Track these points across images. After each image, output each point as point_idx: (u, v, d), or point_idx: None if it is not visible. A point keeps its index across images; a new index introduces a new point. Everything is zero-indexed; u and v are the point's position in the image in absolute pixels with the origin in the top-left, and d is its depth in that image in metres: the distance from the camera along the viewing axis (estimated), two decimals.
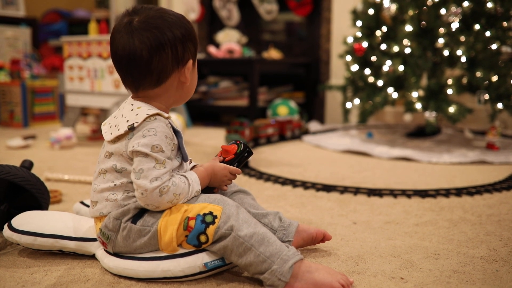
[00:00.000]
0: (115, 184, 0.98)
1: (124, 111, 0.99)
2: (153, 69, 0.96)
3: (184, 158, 1.03)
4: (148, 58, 0.94)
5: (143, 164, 0.92)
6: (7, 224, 1.08)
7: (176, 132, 1.00)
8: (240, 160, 1.09)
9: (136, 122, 0.94)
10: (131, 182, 0.96)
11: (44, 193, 1.21)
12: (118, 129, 0.97)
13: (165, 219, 0.95)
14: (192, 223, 0.93)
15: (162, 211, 0.96)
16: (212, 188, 1.08)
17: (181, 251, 0.96)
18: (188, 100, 1.08)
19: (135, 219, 0.96)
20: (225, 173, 1.07)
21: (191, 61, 1.00)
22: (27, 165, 1.34)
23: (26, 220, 1.07)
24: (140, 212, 0.97)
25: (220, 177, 1.06)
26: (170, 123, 0.99)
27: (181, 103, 1.07)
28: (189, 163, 1.08)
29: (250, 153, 1.10)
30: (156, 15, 0.97)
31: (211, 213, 0.93)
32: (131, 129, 0.95)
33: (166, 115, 0.98)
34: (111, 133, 0.99)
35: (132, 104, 0.99)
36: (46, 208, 1.22)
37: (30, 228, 1.05)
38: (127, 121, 0.96)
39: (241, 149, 1.09)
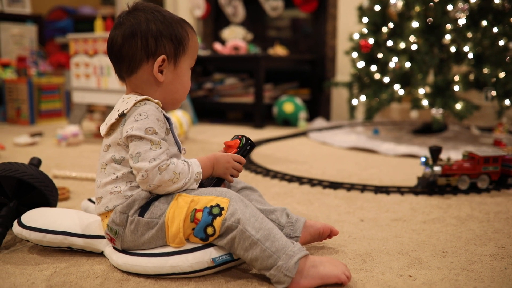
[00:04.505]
0: (117, 176, 0.99)
1: (116, 105, 1.03)
2: (124, 55, 1.01)
3: (178, 146, 1.04)
4: (120, 44, 1.01)
5: (139, 147, 0.94)
6: (16, 220, 1.08)
7: (166, 118, 1.02)
8: (243, 153, 1.11)
9: (126, 109, 0.97)
10: (132, 172, 0.97)
11: (53, 191, 1.21)
12: (111, 119, 1.00)
13: (172, 210, 0.95)
14: (199, 215, 0.94)
15: (168, 202, 0.97)
16: (220, 183, 1.08)
17: (188, 246, 0.96)
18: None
19: (142, 211, 0.97)
20: (227, 159, 1.07)
21: (162, 57, 1.00)
22: (36, 162, 1.35)
23: (36, 216, 1.07)
24: (146, 204, 0.97)
25: (223, 164, 1.07)
26: (160, 108, 1.01)
27: (172, 107, 1.07)
28: (183, 153, 1.08)
29: (253, 146, 1.12)
30: (148, 10, 1.02)
31: (218, 205, 0.94)
32: (122, 115, 0.98)
33: (155, 100, 1.01)
34: (105, 126, 1.02)
35: (124, 97, 1.03)
36: (54, 206, 1.23)
37: (40, 225, 1.05)
38: (118, 110, 0.99)
39: (243, 142, 1.11)
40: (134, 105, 0.97)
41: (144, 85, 1.03)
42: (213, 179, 1.07)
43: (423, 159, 1.60)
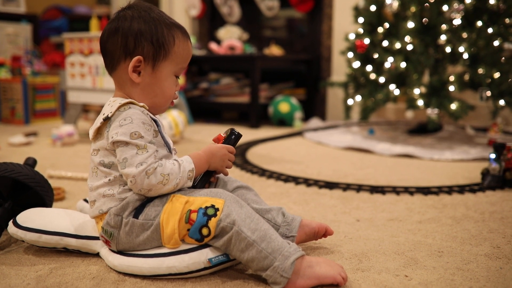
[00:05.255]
0: (109, 180, 0.98)
1: (103, 109, 1.02)
2: (107, 51, 1.02)
3: (168, 147, 1.03)
4: (105, 39, 1.02)
5: (125, 153, 0.94)
6: (12, 220, 1.08)
7: (154, 120, 1.01)
8: (229, 143, 1.10)
9: (110, 112, 0.97)
10: None
11: (48, 191, 1.21)
12: (96, 123, 1.00)
13: (167, 211, 0.95)
14: (194, 216, 0.94)
15: (163, 204, 0.96)
16: (211, 173, 1.07)
17: (184, 246, 0.96)
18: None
19: (136, 213, 0.97)
20: (224, 152, 1.06)
21: (137, 58, 0.99)
22: (31, 162, 1.34)
23: (31, 217, 1.07)
24: (141, 206, 0.97)
25: (220, 156, 1.06)
26: (146, 111, 1.00)
27: (153, 111, 1.04)
28: (174, 153, 1.07)
29: (238, 135, 1.11)
30: (139, 9, 1.01)
31: (213, 206, 0.94)
32: (106, 119, 0.97)
33: (140, 104, 1.00)
34: (92, 130, 1.01)
35: (110, 100, 1.02)
36: (50, 206, 1.22)
37: (35, 225, 1.05)
38: (103, 114, 0.99)
39: (228, 133, 1.10)
40: (118, 108, 0.97)
41: (124, 84, 1.03)
42: (201, 174, 1.06)
43: (492, 156, 1.67)
